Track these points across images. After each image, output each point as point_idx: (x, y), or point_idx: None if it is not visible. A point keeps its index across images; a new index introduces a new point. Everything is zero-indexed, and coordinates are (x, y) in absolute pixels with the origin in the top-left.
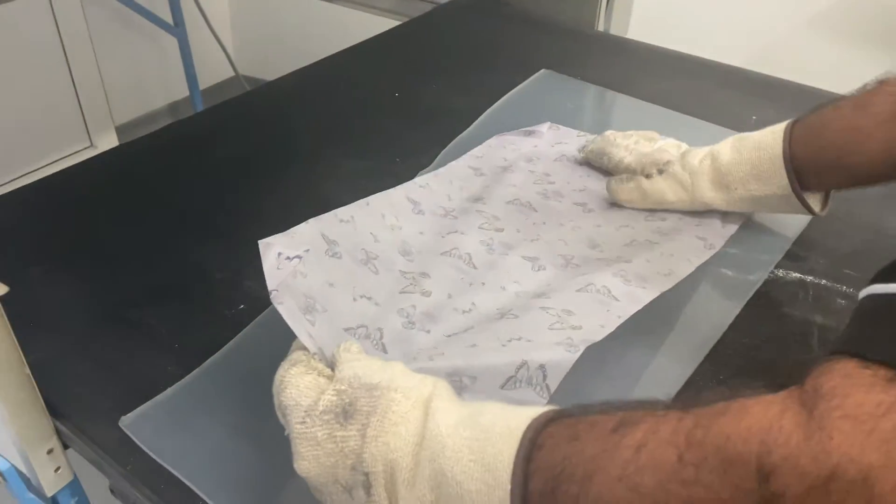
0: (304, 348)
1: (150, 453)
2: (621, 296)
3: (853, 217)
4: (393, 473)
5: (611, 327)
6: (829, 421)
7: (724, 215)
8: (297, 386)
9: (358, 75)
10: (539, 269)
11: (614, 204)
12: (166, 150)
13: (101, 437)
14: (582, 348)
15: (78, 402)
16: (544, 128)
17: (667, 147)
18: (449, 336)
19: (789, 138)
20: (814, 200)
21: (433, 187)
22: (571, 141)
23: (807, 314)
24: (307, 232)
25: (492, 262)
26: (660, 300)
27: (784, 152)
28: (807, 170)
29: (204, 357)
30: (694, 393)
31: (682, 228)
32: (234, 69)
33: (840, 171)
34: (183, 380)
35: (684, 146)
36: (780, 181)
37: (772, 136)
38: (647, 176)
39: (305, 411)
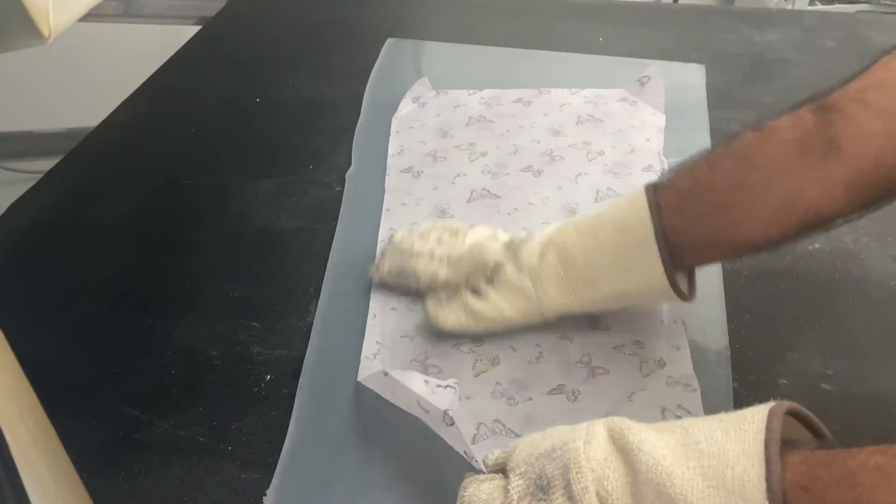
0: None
1: None
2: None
3: None
4: None
5: (685, 342)
6: None
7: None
8: (480, 498)
9: (200, 92)
10: None
11: (556, 156)
12: (29, 242)
13: None
14: (696, 385)
15: None
16: (425, 89)
17: (483, 242)
18: (549, 392)
19: (658, 212)
20: (681, 283)
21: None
22: (468, 101)
23: None
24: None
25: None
26: None
27: (656, 232)
28: (680, 249)
29: (267, 461)
30: None
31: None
32: None
33: (723, 245)
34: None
35: (502, 235)
36: (651, 269)
37: (634, 212)
38: (474, 291)
39: None
